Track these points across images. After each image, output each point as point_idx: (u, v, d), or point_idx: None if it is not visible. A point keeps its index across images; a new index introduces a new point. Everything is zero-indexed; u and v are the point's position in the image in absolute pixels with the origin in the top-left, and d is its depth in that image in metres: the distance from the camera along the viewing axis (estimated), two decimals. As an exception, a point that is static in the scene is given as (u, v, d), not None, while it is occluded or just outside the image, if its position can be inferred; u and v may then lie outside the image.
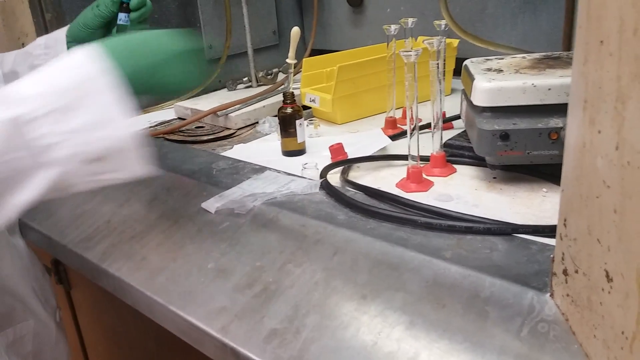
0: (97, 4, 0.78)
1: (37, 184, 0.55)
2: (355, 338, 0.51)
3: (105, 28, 0.80)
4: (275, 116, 1.14)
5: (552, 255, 0.48)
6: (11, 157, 0.53)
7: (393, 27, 0.98)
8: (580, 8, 0.41)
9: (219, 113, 1.18)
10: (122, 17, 0.77)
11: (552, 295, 0.48)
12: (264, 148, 1.03)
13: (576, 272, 0.43)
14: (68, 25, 0.81)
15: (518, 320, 0.47)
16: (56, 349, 0.86)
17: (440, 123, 0.81)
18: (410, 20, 1.01)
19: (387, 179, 0.83)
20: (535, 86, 0.70)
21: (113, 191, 0.87)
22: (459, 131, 0.94)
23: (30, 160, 0.54)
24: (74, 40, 0.79)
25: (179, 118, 1.31)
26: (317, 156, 0.94)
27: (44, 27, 1.22)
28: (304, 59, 1.21)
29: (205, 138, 1.15)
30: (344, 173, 0.84)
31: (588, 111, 0.40)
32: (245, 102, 1.22)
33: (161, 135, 1.17)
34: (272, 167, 0.85)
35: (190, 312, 0.60)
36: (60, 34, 0.81)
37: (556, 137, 0.70)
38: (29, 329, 0.81)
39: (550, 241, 0.57)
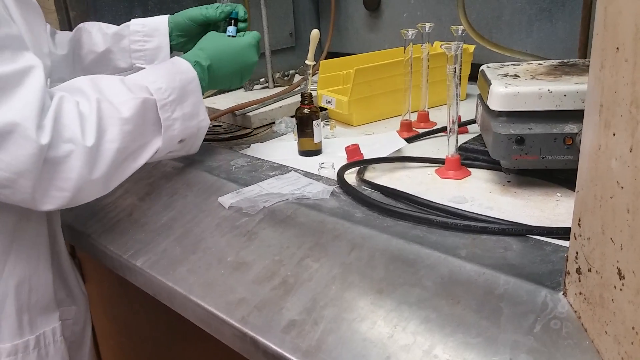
0: (207, 7, 0.96)
1: (148, 153, 0.73)
2: (371, 330, 0.52)
3: (205, 25, 0.97)
4: (292, 117, 1.16)
5: (566, 255, 0.49)
6: (144, 129, 0.71)
7: (410, 31, 1.00)
8: (597, 16, 0.42)
9: (236, 112, 1.20)
10: (231, 30, 0.93)
11: (565, 294, 0.49)
12: (280, 147, 1.05)
13: (589, 270, 0.45)
14: (165, 16, 0.96)
15: (531, 317, 0.49)
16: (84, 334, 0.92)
17: (456, 126, 0.83)
18: (427, 25, 1.03)
19: (402, 180, 0.84)
20: (551, 92, 0.72)
21: (134, 185, 0.89)
22: (474, 135, 0.95)
23: (154, 134, 0.73)
24: (175, 27, 0.96)
25: (197, 117, 1.34)
26: (333, 157, 0.96)
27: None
28: (321, 61, 1.23)
29: (222, 136, 1.17)
30: (360, 173, 0.85)
31: (604, 115, 0.41)
32: (262, 102, 1.24)
33: (180, 133, 1.19)
34: (288, 166, 0.87)
35: (211, 302, 0.62)
36: (160, 24, 0.95)
37: (571, 143, 0.71)
38: (72, 315, 0.86)
39: (564, 243, 0.58)
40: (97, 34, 0.95)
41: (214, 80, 0.85)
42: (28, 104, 0.58)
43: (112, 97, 0.68)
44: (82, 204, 0.68)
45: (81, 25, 0.96)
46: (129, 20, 0.97)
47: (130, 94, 0.70)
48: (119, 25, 0.97)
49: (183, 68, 0.79)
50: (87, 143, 0.63)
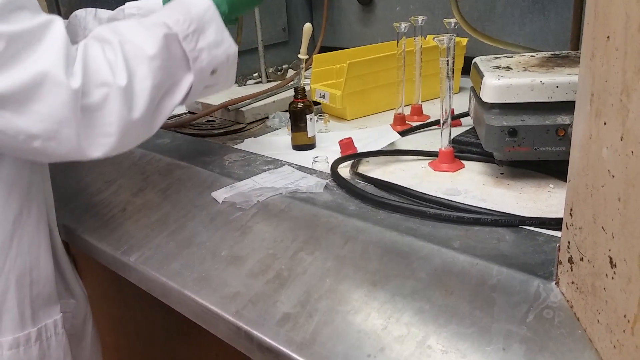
0: None
1: (182, 89, 0.72)
2: (366, 322, 0.52)
3: None
4: (285, 111, 1.15)
5: (558, 245, 0.49)
6: (172, 64, 0.70)
7: (403, 24, 0.99)
8: (588, 5, 0.43)
9: (230, 107, 1.20)
10: None
11: (557, 283, 0.50)
12: (274, 142, 1.05)
13: (581, 259, 0.45)
14: None
15: (524, 306, 0.49)
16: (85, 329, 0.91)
17: (449, 119, 0.83)
18: (420, 19, 1.03)
19: (395, 173, 0.84)
20: (543, 84, 0.72)
21: (128, 181, 0.89)
22: (467, 128, 0.96)
23: (184, 69, 0.72)
24: None
25: (189, 112, 1.33)
26: (327, 151, 0.96)
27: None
28: (314, 56, 1.23)
29: (216, 132, 1.17)
30: (354, 167, 0.85)
31: (594, 104, 0.41)
32: (256, 97, 1.24)
33: (172, 129, 1.19)
34: (282, 160, 0.86)
35: (205, 296, 0.62)
36: (155, 6, 0.92)
37: (563, 134, 0.71)
38: (71, 308, 0.86)
39: (557, 233, 0.58)
40: (92, 20, 0.95)
41: (233, 5, 0.83)
42: (54, 52, 0.59)
43: (133, 38, 0.68)
44: (130, 148, 0.69)
45: (76, 12, 0.96)
46: None
47: (151, 32, 0.70)
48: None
49: (195, 0, 0.77)
50: (120, 83, 0.64)
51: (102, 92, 0.63)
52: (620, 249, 0.39)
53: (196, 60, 0.73)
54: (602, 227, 0.41)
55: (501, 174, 0.81)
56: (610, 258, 0.40)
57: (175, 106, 0.72)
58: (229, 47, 0.77)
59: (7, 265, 0.70)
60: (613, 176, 0.39)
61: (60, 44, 0.60)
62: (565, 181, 0.48)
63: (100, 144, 0.64)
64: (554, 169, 0.78)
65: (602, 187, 0.41)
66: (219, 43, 0.75)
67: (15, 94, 0.57)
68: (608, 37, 0.39)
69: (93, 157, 0.65)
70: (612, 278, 0.40)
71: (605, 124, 0.40)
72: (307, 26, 1.03)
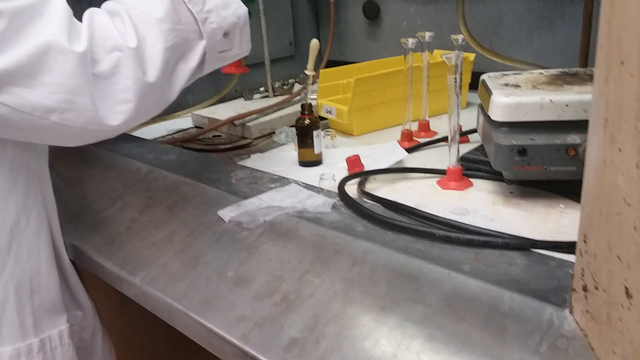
0: None
1: (196, 54, 0.72)
2: (374, 349, 0.51)
3: None
4: (292, 126, 1.15)
5: (571, 271, 0.48)
6: (182, 27, 0.70)
7: (411, 40, 0.99)
8: (601, 29, 0.42)
9: (236, 122, 1.20)
10: None
11: (571, 311, 0.48)
12: (280, 158, 1.05)
13: (596, 288, 0.44)
14: None
15: (537, 335, 0.48)
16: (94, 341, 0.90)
17: (457, 136, 0.82)
18: (427, 34, 1.02)
19: (403, 192, 0.84)
20: (552, 102, 0.71)
21: (133, 198, 0.88)
22: (475, 145, 0.95)
23: (195, 33, 0.71)
24: None
25: (196, 127, 1.33)
26: (334, 167, 0.95)
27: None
28: (320, 71, 1.23)
29: (222, 147, 1.17)
30: (361, 185, 0.85)
31: (609, 129, 0.41)
32: (262, 111, 1.23)
33: (179, 144, 1.19)
34: (289, 177, 0.86)
35: (211, 319, 0.61)
36: None
37: (574, 153, 0.70)
38: (78, 320, 0.84)
39: (569, 257, 0.57)
40: None
41: None
42: (55, 23, 0.59)
43: (139, 5, 0.69)
44: (151, 116, 0.69)
45: (91, 9, 0.97)
46: None
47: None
48: None
49: None
50: (130, 45, 0.64)
51: (113, 57, 0.63)
52: (637, 279, 0.38)
53: (205, 22, 0.72)
54: (618, 256, 0.40)
55: (510, 192, 0.80)
56: (626, 288, 0.39)
57: (191, 72, 0.72)
58: (238, 7, 0.76)
59: (5, 274, 0.69)
60: (629, 204, 0.38)
61: (61, 15, 0.60)
62: (576, 201, 0.47)
63: (119, 112, 0.64)
64: (564, 188, 0.77)
65: (618, 215, 0.40)
66: (226, 4, 0.75)
67: (22, 68, 0.58)
68: (622, 62, 0.38)
69: (114, 126, 0.64)
70: (629, 309, 0.39)
71: (620, 150, 0.39)
72: (314, 42, 1.03)
